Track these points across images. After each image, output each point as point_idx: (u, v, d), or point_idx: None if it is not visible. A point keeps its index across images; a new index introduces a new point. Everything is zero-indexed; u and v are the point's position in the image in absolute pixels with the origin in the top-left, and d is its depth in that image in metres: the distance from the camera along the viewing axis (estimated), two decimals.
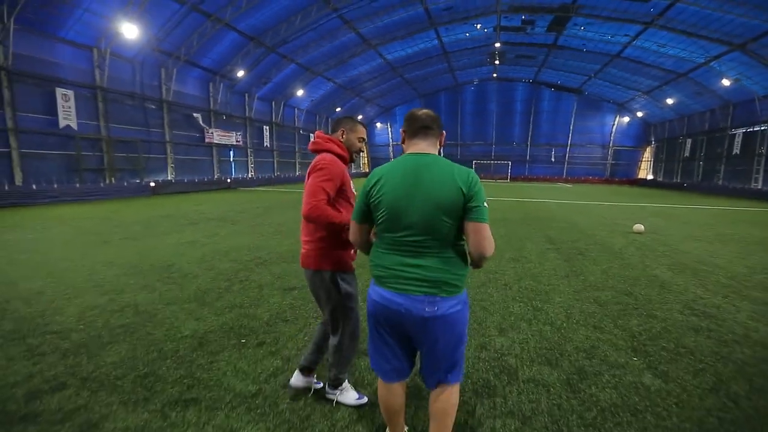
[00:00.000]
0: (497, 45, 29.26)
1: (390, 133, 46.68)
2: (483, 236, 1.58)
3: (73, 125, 15.71)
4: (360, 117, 43.17)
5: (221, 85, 23.75)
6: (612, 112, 39.26)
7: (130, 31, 15.41)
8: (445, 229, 1.58)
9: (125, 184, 17.64)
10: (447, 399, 1.78)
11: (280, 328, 3.56)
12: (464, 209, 1.57)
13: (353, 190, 2.27)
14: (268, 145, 29.99)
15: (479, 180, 1.63)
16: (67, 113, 15.41)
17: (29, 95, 14.40)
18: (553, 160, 41.68)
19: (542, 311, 4.06)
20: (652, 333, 3.56)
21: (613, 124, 39.66)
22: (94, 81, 16.55)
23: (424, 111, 1.74)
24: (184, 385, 2.61)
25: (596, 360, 3.04)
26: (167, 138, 20.82)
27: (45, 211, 12.02)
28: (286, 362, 2.93)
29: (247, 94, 26.98)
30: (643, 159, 39.96)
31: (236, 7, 17.90)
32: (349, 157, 2.29)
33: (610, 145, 40.20)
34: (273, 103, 29.99)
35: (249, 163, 28.33)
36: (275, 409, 2.38)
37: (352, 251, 2.29)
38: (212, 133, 23.69)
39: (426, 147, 1.71)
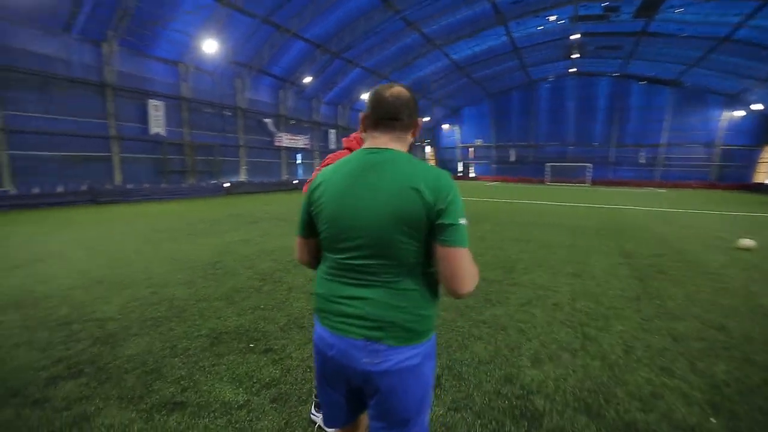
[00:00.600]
0: (575, 37, 26.84)
1: (459, 135, 45.52)
2: (457, 267, 1.11)
3: (162, 132, 17.63)
4: (427, 119, 42.80)
5: (290, 91, 25.03)
6: (719, 106, 33.45)
7: (210, 46, 16.91)
8: (402, 252, 1.13)
9: (203, 184, 19.36)
10: None
11: (292, 335, 3.39)
12: (430, 227, 1.11)
13: None
14: (333, 148, 30.96)
15: (456, 187, 1.14)
16: (157, 121, 17.34)
17: (127, 107, 16.45)
18: (642, 161, 36.98)
19: (594, 341, 3.33)
20: (745, 386, 2.68)
21: (721, 120, 33.84)
22: (179, 92, 18.43)
23: (393, 91, 1.23)
24: (180, 387, 2.60)
25: (655, 414, 2.33)
26: (241, 142, 22.48)
27: (134, 207, 13.56)
28: (285, 373, 2.76)
29: (314, 99, 28.14)
30: (763, 160, 33.29)
31: (302, 17, 18.71)
32: None
33: (717, 143, 34.32)
34: (339, 107, 30.90)
35: (314, 165, 29.50)
36: (254, 425, 2.22)
37: None
38: (281, 137, 25.07)
39: (387, 142, 1.23)
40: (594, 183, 37.28)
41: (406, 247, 1.12)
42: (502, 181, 40.60)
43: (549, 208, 14.54)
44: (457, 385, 2.67)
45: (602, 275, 5.41)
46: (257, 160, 23.85)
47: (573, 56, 31.08)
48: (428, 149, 48.56)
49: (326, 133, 30.14)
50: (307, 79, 24.16)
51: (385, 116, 1.21)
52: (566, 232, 9.03)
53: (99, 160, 15.62)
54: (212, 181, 20.37)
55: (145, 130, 17.06)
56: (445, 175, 1.15)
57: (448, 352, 3.13)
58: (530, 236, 8.38)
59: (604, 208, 14.89)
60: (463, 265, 1.11)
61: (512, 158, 41.71)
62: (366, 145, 1.25)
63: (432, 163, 48.98)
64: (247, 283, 4.86)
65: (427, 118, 43.05)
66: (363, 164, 1.19)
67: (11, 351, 3.11)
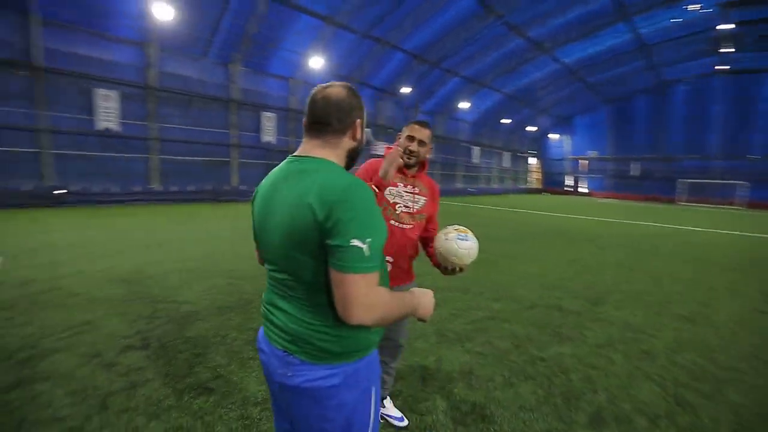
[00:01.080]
0: (726, 27, 22.17)
1: (568, 146, 41.52)
2: (345, 294, 0.98)
3: (273, 140, 19.76)
4: (534, 129, 39.98)
5: (388, 101, 25.82)
6: None
7: (316, 62, 18.43)
8: (304, 271, 1.04)
9: None
10: None
11: None
12: (321, 246, 0.99)
13: (389, 195, 2.03)
14: (431, 158, 30.80)
15: (356, 202, 0.99)
16: (269, 131, 19.50)
17: (246, 119, 18.84)
18: None
19: (690, 410, 2.52)
20: None
21: None
22: (287, 105, 20.44)
23: (325, 92, 1.14)
24: (214, 374, 2.77)
25: None
26: None
27: (246, 206, 15.35)
28: None
29: (412, 109, 28.53)
30: None
31: (401, 30, 19.15)
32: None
33: None
34: (437, 116, 30.83)
35: None
36: (259, 426, 2.23)
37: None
38: (377, 145, 25.96)
39: (313, 148, 1.14)
40: (752, 205, 29.66)
41: (307, 265, 1.03)
42: (621, 198, 35.54)
43: (672, 232, 12.14)
44: (484, 429, 2.25)
45: (728, 323, 4.19)
46: (354, 167, 25.06)
47: (723, 51, 25.73)
48: (533, 161, 45.30)
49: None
50: (405, 90, 24.62)
51: (313, 120, 1.14)
52: (690, 263, 7.35)
53: (221, 165, 18.16)
54: None
55: (258, 139, 19.31)
56: (346, 187, 1.00)
57: (486, 388, 2.70)
58: (637, 264, 7.03)
59: (755, 238, 11.83)
60: (353, 293, 0.97)
61: (634, 173, 36.08)
62: (295, 153, 1.18)
63: (536, 176, 45.75)
64: None
65: (533, 128, 40.24)
66: (284, 174, 1.12)
67: (109, 319, 3.68)
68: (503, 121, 35.81)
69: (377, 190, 1.81)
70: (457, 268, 1.75)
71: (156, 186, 15.75)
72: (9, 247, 6.29)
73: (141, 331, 3.44)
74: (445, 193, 30.74)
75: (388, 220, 1.99)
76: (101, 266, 5.48)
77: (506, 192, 39.06)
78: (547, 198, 33.84)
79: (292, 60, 19.07)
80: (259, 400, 2.46)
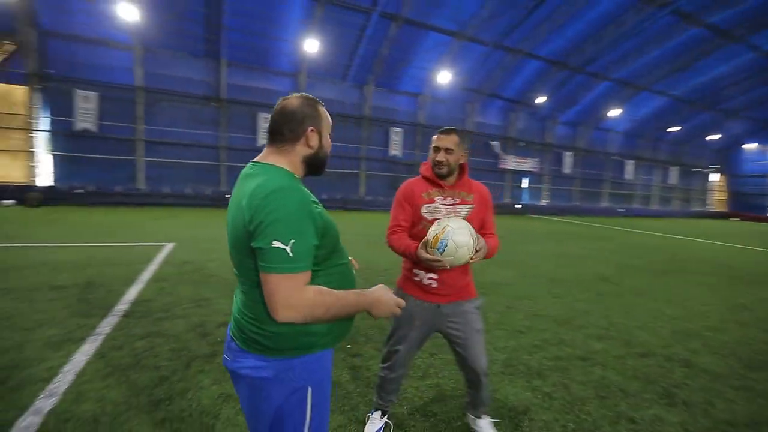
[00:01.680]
0: None
1: None
2: (270, 293, 1.04)
3: (399, 154, 20.75)
4: (717, 137, 31.97)
5: (521, 113, 24.28)
6: None
7: (444, 77, 18.72)
8: (245, 268, 1.13)
9: None
10: None
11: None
12: (251, 247, 1.06)
13: (426, 212, 1.99)
14: (569, 172, 27.71)
15: (278, 204, 1.03)
16: (396, 145, 20.57)
17: (376, 134, 20.30)
18: None
19: None
20: None
21: None
22: (416, 120, 21.19)
23: (280, 103, 1.22)
24: None
25: None
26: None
27: (366, 215, 16.46)
28: (355, 378, 2.78)
29: (548, 120, 26.19)
30: None
31: (536, 36, 17.88)
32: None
33: None
34: (580, 127, 27.53)
35: (543, 190, 27.30)
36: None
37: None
38: (507, 159, 24.60)
39: (267, 155, 1.21)
40: None
41: (246, 263, 1.11)
42: None
43: None
44: None
45: None
46: (480, 182, 24.28)
47: None
48: (715, 177, 36.12)
49: (560, 156, 27.38)
50: (541, 99, 22.79)
51: (269, 130, 1.22)
52: None
53: (350, 176, 19.96)
54: None
55: (385, 152, 20.55)
56: (271, 192, 1.04)
57: None
58: None
59: None
60: (276, 292, 1.02)
61: None
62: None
63: (721, 197, 35.96)
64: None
65: (715, 136, 32.13)
66: (240, 179, 1.20)
67: (221, 298, 4.41)
68: (670, 129, 29.65)
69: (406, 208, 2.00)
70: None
71: None
72: (191, 235, 8.17)
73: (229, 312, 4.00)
74: (585, 212, 27.10)
75: None
76: None
77: (670, 215, 31.94)
78: (735, 225, 26.31)
79: (420, 77, 19.80)
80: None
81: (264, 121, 17.34)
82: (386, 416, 2.25)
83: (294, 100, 1.21)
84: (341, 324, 1.22)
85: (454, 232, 1.68)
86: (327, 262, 1.18)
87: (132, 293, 4.44)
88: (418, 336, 2.05)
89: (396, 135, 20.59)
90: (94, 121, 14.73)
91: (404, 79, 19.96)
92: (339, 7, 15.44)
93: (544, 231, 14.25)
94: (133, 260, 5.95)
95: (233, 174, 17.30)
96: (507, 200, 25.44)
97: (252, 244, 1.03)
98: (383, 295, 1.21)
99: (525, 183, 26.57)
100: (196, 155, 16.61)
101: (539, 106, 23.94)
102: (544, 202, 27.13)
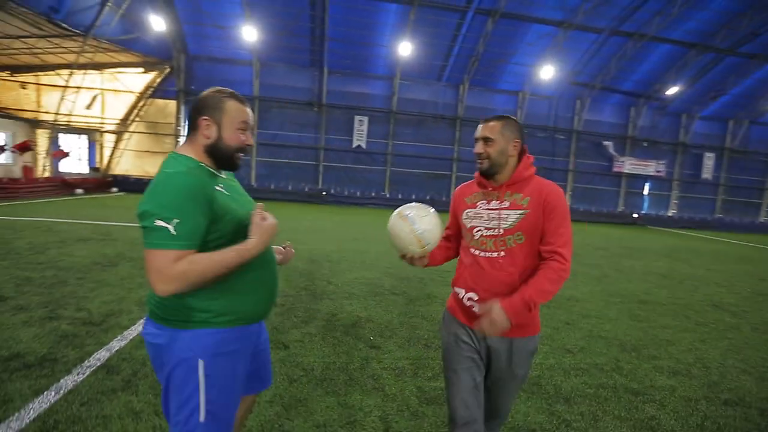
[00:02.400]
0: None
1: None
2: (149, 267, 1.11)
3: None
4: None
5: (644, 107, 20.94)
6: None
7: (547, 72, 17.24)
8: None
9: None
10: None
11: (396, 337, 3.33)
12: None
13: (465, 219, 1.66)
14: (709, 177, 22.91)
15: (158, 190, 1.12)
16: None
17: (469, 134, 19.70)
18: None
19: None
20: None
21: None
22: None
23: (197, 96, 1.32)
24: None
25: None
26: (570, 167, 21.29)
27: None
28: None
29: (683, 115, 22.04)
30: None
31: (665, 16, 15.19)
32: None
33: None
34: (727, 122, 22.56)
35: (672, 198, 23.09)
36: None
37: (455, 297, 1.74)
38: (623, 161, 21.49)
39: (183, 144, 1.30)
40: None
41: None
42: None
43: None
44: None
45: None
46: (587, 187, 21.75)
47: None
48: None
49: (699, 158, 22.79)
50: (672, 90, 19.33)
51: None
52: None
53: (441, 177, 19.78)
54: None
55: None
56: (159, 177, 1.14)
57: None
58: None
59: None
60: (151, 268, 1.09)
61: None
62: None
63: None
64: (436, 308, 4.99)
65: None
66: None
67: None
68: None
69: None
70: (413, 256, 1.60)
71: (386, 193, 18.84)
72: (292, 225, 9.25)
73: (285, 298, 4.37)
74: (731, 227, 22.13)
75: (468, 248, 1.64)
76: (321, 244, 7.23)
77: None
78: None
79: (521, 73, 18.62)
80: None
81: (359, 123, 18.35)
82: None
83: (205, 92, 1.27)
84: (240, 307, 1.27)
85: (417, 219, 1.52)
86: (232, 244, 1.20)
87: None
88: (469, 369, 1.59)
89: None
90: None
91: (503, 76, 18.97)
92: (433, 8, 15.46)
93: (661, 246, 12.13)
94: None
95: (330, 173, 18.72)
96: (621, 209, 22.22)
97: (140, 224, 1.12)
98: (262, 233, 1.22)
99: (646, 189, 22.83)
100: (297, 155, 18.45)
101: (670, 99, 20.35)
102: (671, 213, 22.93)
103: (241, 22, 15.28)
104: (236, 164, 1.34)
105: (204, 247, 1.17)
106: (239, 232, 1.24)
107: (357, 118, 18.22)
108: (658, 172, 22.08)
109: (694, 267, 8.55)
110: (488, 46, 16.96)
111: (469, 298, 1.58)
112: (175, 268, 1.09)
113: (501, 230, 1.53)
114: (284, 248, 1.64)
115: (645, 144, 22.08)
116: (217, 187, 1.23)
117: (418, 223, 1.51)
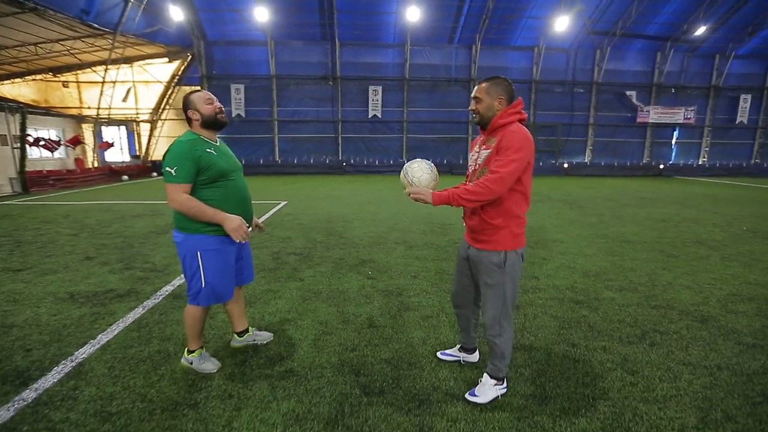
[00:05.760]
0: None
1: None
2: (166, 192, 2.06)
3: None
4: None
5: (672, 51, 19.86)
6: None
7: (561, 23, 16.65)
8: None
9: (540, 164, 20.00)
10: (184, 311, 2.30)
11: (402, 322, 4.14)
12: None
13: (469, 160, 2.21)
14: (744, 121, 21.70)
15: (171, 150, 2.04)
16: None
17: None
18: None
19: None
20: None
21: None
22: (531, 77, 19.58)
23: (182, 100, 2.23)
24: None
25: None
26: (590, 120, 20.80)
27: None
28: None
29: (717, 56, 20.70)
30: None
31: None
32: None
33: None
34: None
35: (703, 145, 22.14)
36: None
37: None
38: (648, 111, 20.73)
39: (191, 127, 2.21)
40: None
41: None
42: None
43: None
44: None
45: None
46: (609, 140, 21.23)
47: None
48: None
49: (734, 101, 21.53)
50: (702, 30, 18.20)
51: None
52: None
53: (456, 141, 19.99)
54: (551, 161, 20.56)
55: None
56: (172, 144, 2.07)
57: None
58: None
59: None
60: (167, 192, 2.05)
61: None
62: None
63: None
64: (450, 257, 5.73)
65: None
66: None
67: (299, 237, 5.82)
68: None
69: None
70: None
71: (404, 160, 19.36)
72: (301, 195, 10.16)
73: (305, 245, 5.27)
74: (766, 172, 21.08)
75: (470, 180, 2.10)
76: (338, 208, 8.12)
77: None
78: None
79: (535, 27, 18.12)
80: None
81: (373, 93, 18.71)
82: (463, 350, 2.50)
83: (184, 97, 2.19)
84: (214, 226, 2.12)
85: (410, 169, 2.08)
86: (213, 184, 2.10)
87: None
88: (459, 270, 2.27)
89: None
90: (242, 108, 18.46)
91: (516, 32, 18.51)
92: None
93: (678, 195, 12.10)
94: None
95: (348, 144, 19.40)
96: (646, 160, 21.62)
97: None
98: (231, 224, 2.07)
99: (674, 138, 21.98)
100: (316, 130, 19.21)
101: (700, 39, 19.17)
102: (701, 161, 22.08)
103: (253, 3, 15.78)
104: (221, 122, 2.22)
105: (196, 182, 2.05)
106: (221, 175, 2.13)
107: (371, 88, 18.57)
108: (687, 119, 21.16)
109: (699, 211, 8.74)
110: (499, 2, 16.57)
111: (463, 217, 2.17)
112: (178, 197, 2.02)
113: (477, 165, 2.01)
114: (259, 226, 2.67)
115: (673, 90, 21.09)
116: (208, 150, 2.09)
117: (410, 173, 2.06)
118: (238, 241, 2.12)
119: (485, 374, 2.15)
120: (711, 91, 21.33)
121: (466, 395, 2.13)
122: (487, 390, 2.10)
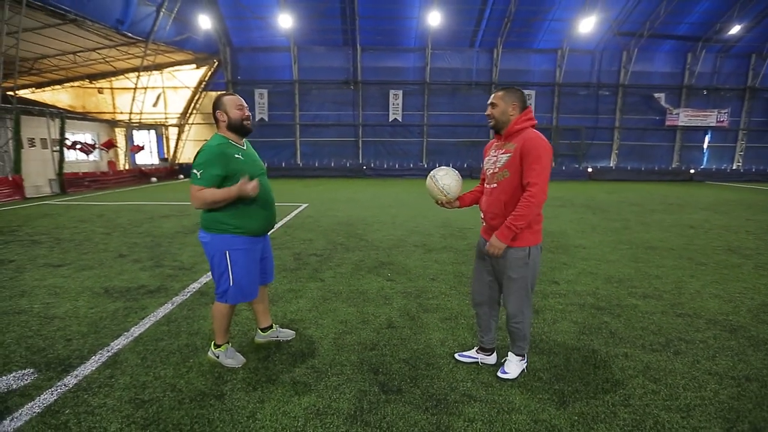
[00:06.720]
0: None
1: None
2: (190, 193, 2.19)
3: None
4: None
5: (704, 52, 19.15)
6: None
7: (586, 25, 16.35)
8: None
9: (563, 168, 19.60)
10: (212, 308, 2.41)
11: (428, 320, 4.18)
12: None
13: (485, 164, 2.35)
14: None
15: (201, 153, 2.14)
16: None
17: None
18: None
19: None
20: None
21: None
22: (554, 79, 19.25)
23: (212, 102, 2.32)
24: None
25: None
26: (616, 123, 20.26)
27: None
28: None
29: (753, 55, 19.84)
30: None
31: None
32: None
33: None
34: None
35: (738, 149, 21.21)
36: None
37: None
38: (677, 114, 20.02)
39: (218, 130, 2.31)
40: None
41: None
42: None
43: None
44: None
45: None
46: (635, 143, 20.61)
47: None
48: None
49: None
50: (736, 29, 17.49)
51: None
52: None
53: (478, 144, 19.80)
54: (574, 165, 20.11)
55: None
56: (202, 147, 2.18)
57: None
58: None
59: None
60: (190, 193, 2.18)
61: None
62: None
63: None
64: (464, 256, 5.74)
65: None
66: None
67: (320, 238, 5.95)
68: None
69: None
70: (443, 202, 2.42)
71: (424, 164, 19.37)
72: (322, 198, 10.32)
73: (324, 250, 5.38)
74: None
75: (484, 184, 2.34)
76: (358, 212, 8.23)
77: None
78: None
79: (559, 29, 17.86)
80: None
81: (394, 97, 18.83)
82: (481, 351, 2.53)
83: (216, 96, 2.28)
84: (247, 225, 2.23)
85: (440, 178, 2.33)
86: (231, 181, 2.16)
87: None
88: (478, 268, 2.39)
89: (528, 98, 19.27)
90: (266, 112, 18.91)
91: (539, 35, 18.27)
92: None
93: (709, 200, 11.65)
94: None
95: (369, 147, 19.56)
96: (675, 165, 20.85)
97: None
98: (245, 187, 2.10)
99: (706, 142, 21.13)
100: (337, 133, 19.47)
101: (734, 39, 18.42)
102: (735, 166, 21.13)
103: (277, 11, 16.20)
104: (247, 128, 2.29)
105: (223, 186, 2.14)
106: (238, 178, 2.21)
107: (392, 92, 18.70)
108: (720, 122, 20.33)
109: (732, 218, 8.41)
110: (521, 5, 16.41)
111: (482, 218, 2.31)
112: (198, 194, 2.13)
113: (497, 168, 2.15)
114: None
115: (704, 92, 20.31)
116: (236, 155, 2.19)
117: (440, 180, 2.34)
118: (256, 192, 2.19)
119: (510, 353, 2.40)
120: (746, 93, 20.44)
121: (498, 373, 2.36)
122: (514, 366, 2.35)
